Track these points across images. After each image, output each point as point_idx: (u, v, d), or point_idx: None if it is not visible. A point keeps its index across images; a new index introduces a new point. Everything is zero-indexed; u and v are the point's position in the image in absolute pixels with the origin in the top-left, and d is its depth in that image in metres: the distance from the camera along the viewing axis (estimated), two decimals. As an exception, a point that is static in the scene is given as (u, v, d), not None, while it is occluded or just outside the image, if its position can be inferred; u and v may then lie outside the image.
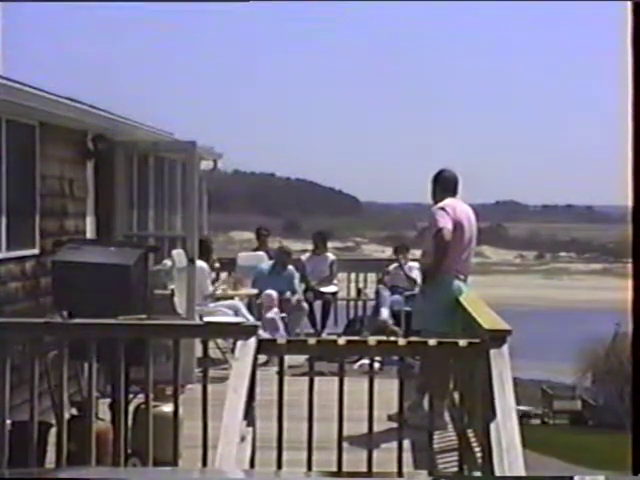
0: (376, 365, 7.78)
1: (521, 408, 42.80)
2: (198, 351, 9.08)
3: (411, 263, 13.32)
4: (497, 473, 5.46)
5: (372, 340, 6.73)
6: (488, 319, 7.01)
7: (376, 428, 6.64)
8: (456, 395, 8.51)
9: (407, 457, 6.98)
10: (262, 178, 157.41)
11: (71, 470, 4.83)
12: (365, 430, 6.54)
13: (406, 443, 6.93)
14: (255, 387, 6.42)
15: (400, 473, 6.36)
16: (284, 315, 12.85)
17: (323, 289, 13.95)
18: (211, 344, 10.38)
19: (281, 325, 12.60)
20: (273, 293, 12.76)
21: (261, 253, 14.40)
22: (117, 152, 10.89)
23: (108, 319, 6.81)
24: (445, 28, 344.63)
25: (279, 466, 6.46)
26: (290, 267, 13.43)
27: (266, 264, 13.65)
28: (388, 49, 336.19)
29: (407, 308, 11.99)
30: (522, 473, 5.49)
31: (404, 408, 6.76)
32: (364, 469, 6.44)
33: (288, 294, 13.11)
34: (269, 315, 12.52)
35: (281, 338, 12.00)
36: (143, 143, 11.74)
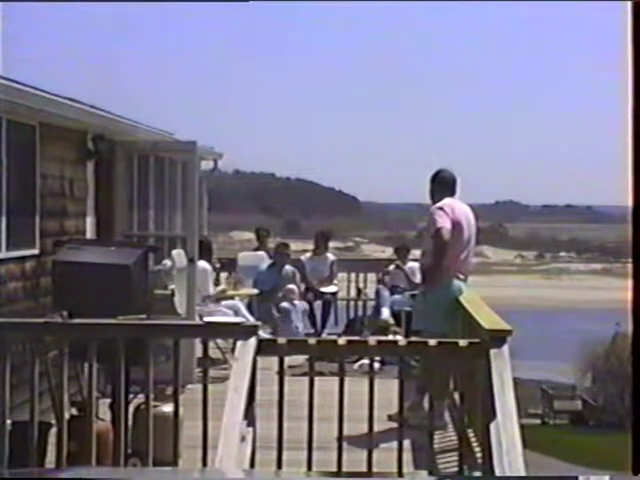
0: (376, 365, 7.78)
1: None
2: (198, 351, 9.08)
3: (412, 264, 13.33)
4: (497, 473, 5.46)
5: (372, 340, 6.73)
6: (488, 319, 7.01)
7: (376, 428, 6.63)
8: (456, 395, 8.51)
9: (407, 457, 6.98)
10: (262, 178, 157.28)
11: (71, 470, 4.83)
12: (365, 430, 6.54)
13: (406, 443, 6.93)
14: (255, 387, 6.42)
15: (400, 473, 6.36)
16: (297, 304, 13.25)
17: (323, 289, 13.98)
18: (211, 344, 10.38)
19: (295, 318, 12.92)
20: (294, 287, 13.05)
21: (261, 253, 14.42)
22: (117, 152, 10.89)
23: (108, 319, 6.81)
24: (445, 28, 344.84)
25: (279, 466, 6.46)
26: (287, 266, 13.53)
27: (266, 264, 13.71)
28: (388, 49, 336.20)
29: (407, 308, 12.00)
30: (522, 473, 5.48)
31: (404, 408, 6.76)
32: (364, 469, 6.44)
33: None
34: (284, 304, 12.89)
35: (299, 331, 12.67)
36: (143, 143, 11.74)
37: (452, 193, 8.91)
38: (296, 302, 13.20)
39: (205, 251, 11.39)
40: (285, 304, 13.07)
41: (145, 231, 12.11)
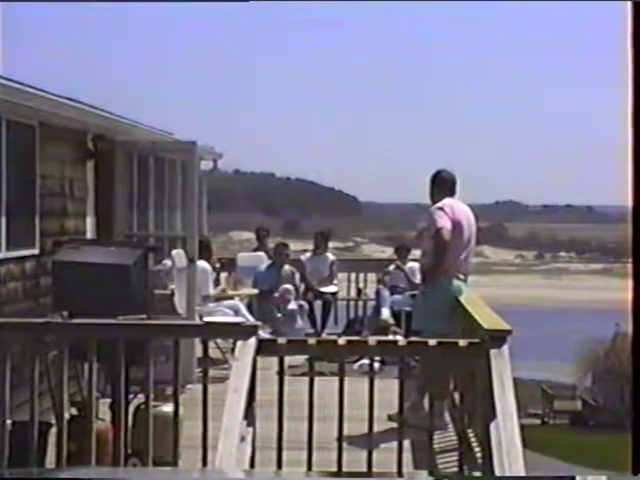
0: (376, 365, 7.78)
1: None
2: (198, 351, 9.08)
3: (412, 264, 13.33)
4: (497, 473, 5.46)
5: (372, 340, 6.73)
6: (488, 319, 7.01)
7: (376, 428, 6.63)
8: (456, 395, 8.51)
9: (407, 457, 6.98)
10: (262, 178, 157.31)
11: (71, 470, 4.83)
12: (365, 430, 6.54)
13: (406, 443, 6.93)
14: (255, 387, 6.42)
15: (400, 473, 6.36)
16: (303, 303, 13.32)
17: (323, 289, 13.98)
18: (211, 344, 10.38)
19: (298, 318, 12.95)
20: (290, 287, 13.08)
21: (261, 253, 14.42)
22: (117, 152, 10.89)
23: (108, 319, 6.81)
24: (445, 29, 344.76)
25: (279, 466, 6.46)
26: (287, 267, 13.54)
27: (265, 264, 13.73)
28: (388, 49, 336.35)
29: (407, 308, 11.99)
30: (522, 473, 5.48)
31: (404, 408, 6.76)
32: (364, 469, 6.44)
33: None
34: (289, 306, 12.93)
35: (300, 330, 12.70)
36: (143, 143, 11.74)
37: (452, 193, 8.91)
38: (293, 302, 13.20)
39: (204, 251, 11.38)
40: (292, 305, 13.10)
41: (145, 231, 12.11)
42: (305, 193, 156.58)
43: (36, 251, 9.28)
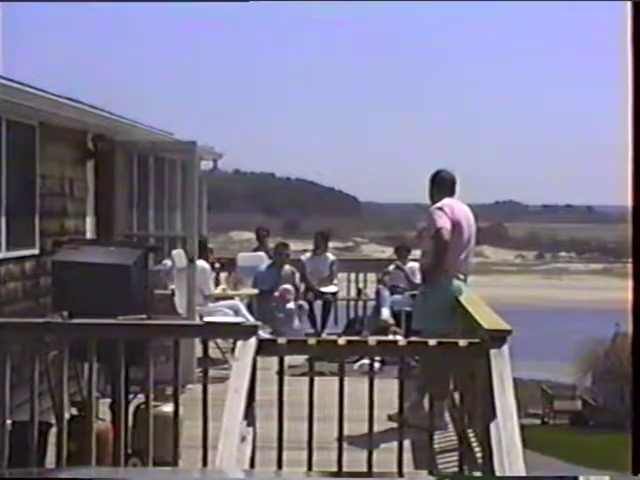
0: (376, 365, 7.78)
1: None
2: (198, 351, 9.08)
3: (412, 264, 13.33)
4: (497, 473, 5.46)
5: (372, 340, 6.74)
6: (488, 319, 7.01)
7: (376, 428, 6.63)
8: (456, 395, 8.51)
9: (407, 457, 6.98)
10: (262, 178, 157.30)
11: (71, 470, 4.83)
12: (365, 430, 6.54)
13: (406, 443, 6.93)
14: (255, 387, 6.42)
15: (400, 473, 6.37)
16: (302, 303, 13.36)
17: (323, 289, 13.99)
18: (211, 344, 10.38)
19: (297, 318, 12.96)
20: (290, 287, 13.09)
21: (261, 253, 14.43)
22: (117, 152, 10.89)
23: (108, 319, 6.81)
24: (445, 29, 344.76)
25: (279, 466, 6.46)
26: (287, 267, 13.55)
27: (265, 264, 13.74)
28: (388, 49, 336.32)
29: (407, 308, 12.00)
30: (522, 473, 5.49)
31: (404, 408, 6.77)
32: (364, 469, 6.44)
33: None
34: (288, 306, 13.00)
35: (299, 330, 12.73)
36: (143, 143, 11.75)
37: (451, 193, 8.91)
38: (292, 302, 13.21)
39: (202, 251, 11.38)
40: (290, 305, 13.12)
41: (145, 231, 12.11)
42: (305, 193, 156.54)
43: (36, 251, 9.28)
